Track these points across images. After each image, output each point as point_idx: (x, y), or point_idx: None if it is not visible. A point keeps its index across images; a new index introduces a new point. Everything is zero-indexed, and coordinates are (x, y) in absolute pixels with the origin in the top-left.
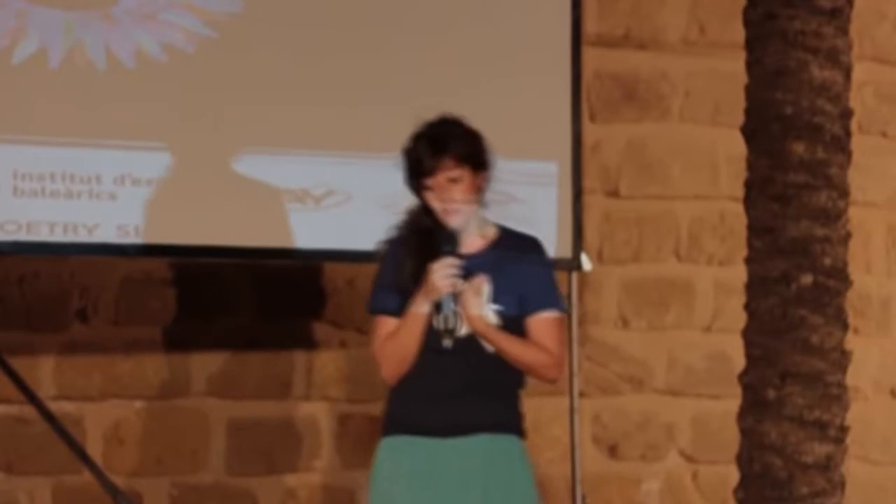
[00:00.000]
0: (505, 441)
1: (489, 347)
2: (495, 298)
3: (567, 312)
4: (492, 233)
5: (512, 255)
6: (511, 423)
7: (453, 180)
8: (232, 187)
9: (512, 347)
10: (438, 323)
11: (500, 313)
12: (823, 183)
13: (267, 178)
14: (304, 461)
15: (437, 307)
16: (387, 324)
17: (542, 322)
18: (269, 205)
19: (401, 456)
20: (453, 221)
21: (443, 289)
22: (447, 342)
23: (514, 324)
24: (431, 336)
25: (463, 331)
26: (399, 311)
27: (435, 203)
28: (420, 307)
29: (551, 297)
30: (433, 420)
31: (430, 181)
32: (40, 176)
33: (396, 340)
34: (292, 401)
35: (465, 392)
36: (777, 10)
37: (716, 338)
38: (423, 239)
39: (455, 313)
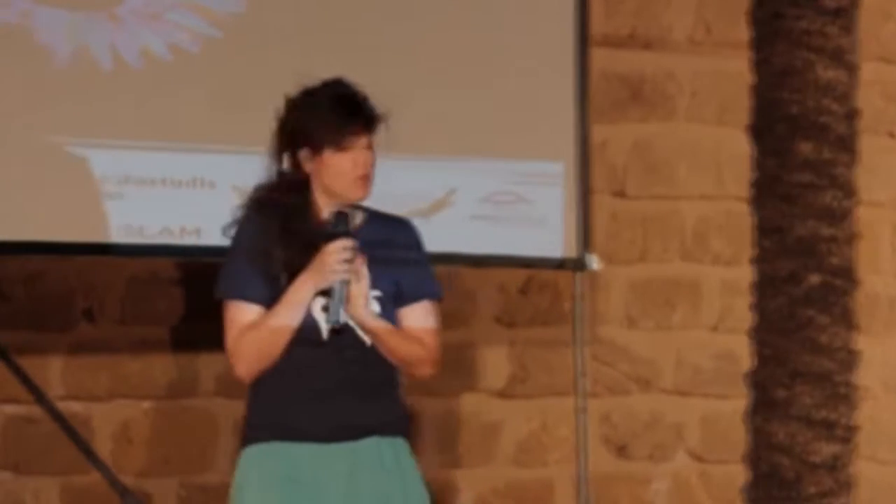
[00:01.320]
0: (395, 444)
1: (367, 339)
2: (373, 285)
3: (441, 299)
4: (359, 215)
5: (383, 239)
6: (397, 424)
7: (369, 147)
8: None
9: (390, 339)
10: (330, 315)
11: (380, 300)
12: (829, 182)
13: None
14: None
15: (325, 294)
16: (244, 312)
17: (415, 312)
18: None
19: (272, 464)
20: (362, 193)
21: (337, 274)
22: (326, 334)
23: (391, 312)
24: (304, 327)
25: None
26: (262, 299)
27: (346, 167)
28: (300, 299)
29: (426, 285)
30: (311, 422)
31: (348, 143)
32: None
33: (261, 336)
34: None
35: (346, 390)
36: (783, 9)
37: (723, 337)
38: (292, 217)
39: (341, 301)
